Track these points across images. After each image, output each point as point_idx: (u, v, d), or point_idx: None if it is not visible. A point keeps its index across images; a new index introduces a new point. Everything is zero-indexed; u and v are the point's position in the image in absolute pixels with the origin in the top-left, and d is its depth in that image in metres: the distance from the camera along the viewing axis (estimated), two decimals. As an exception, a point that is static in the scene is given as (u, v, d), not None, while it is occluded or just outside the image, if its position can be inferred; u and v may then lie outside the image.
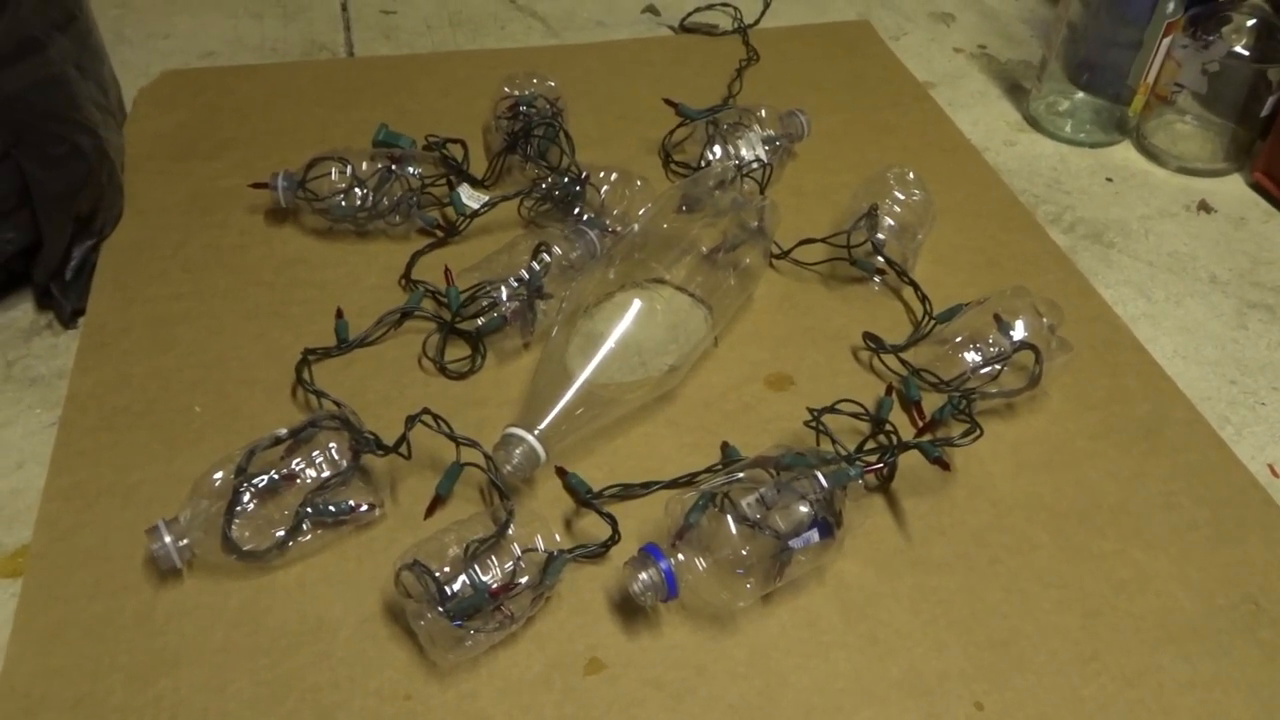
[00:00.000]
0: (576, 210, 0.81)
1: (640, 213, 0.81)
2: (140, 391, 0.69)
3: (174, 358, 0.72)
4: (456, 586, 0.54)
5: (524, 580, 0.55)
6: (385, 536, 0.61)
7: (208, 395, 0.69)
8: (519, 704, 0.54)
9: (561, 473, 0.64)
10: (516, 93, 0.90)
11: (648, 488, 0.64)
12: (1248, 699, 0.56)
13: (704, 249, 0.76)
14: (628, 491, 0.64)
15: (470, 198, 0.84)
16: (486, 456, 0.62)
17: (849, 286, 0.80)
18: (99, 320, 0.74)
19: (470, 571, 0.54)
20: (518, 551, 0.56)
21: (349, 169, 0.80)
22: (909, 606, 0.59)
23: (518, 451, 0.61)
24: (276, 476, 0.59)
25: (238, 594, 0.58)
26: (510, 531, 0.57)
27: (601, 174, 0.83)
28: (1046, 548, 0.62)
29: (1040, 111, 1.02)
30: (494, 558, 0.56)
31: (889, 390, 0.70)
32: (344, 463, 0.61)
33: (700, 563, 0.56)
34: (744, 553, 0.55)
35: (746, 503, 0.56)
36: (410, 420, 0.61)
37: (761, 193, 0.87)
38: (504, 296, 0.72)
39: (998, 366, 0.69)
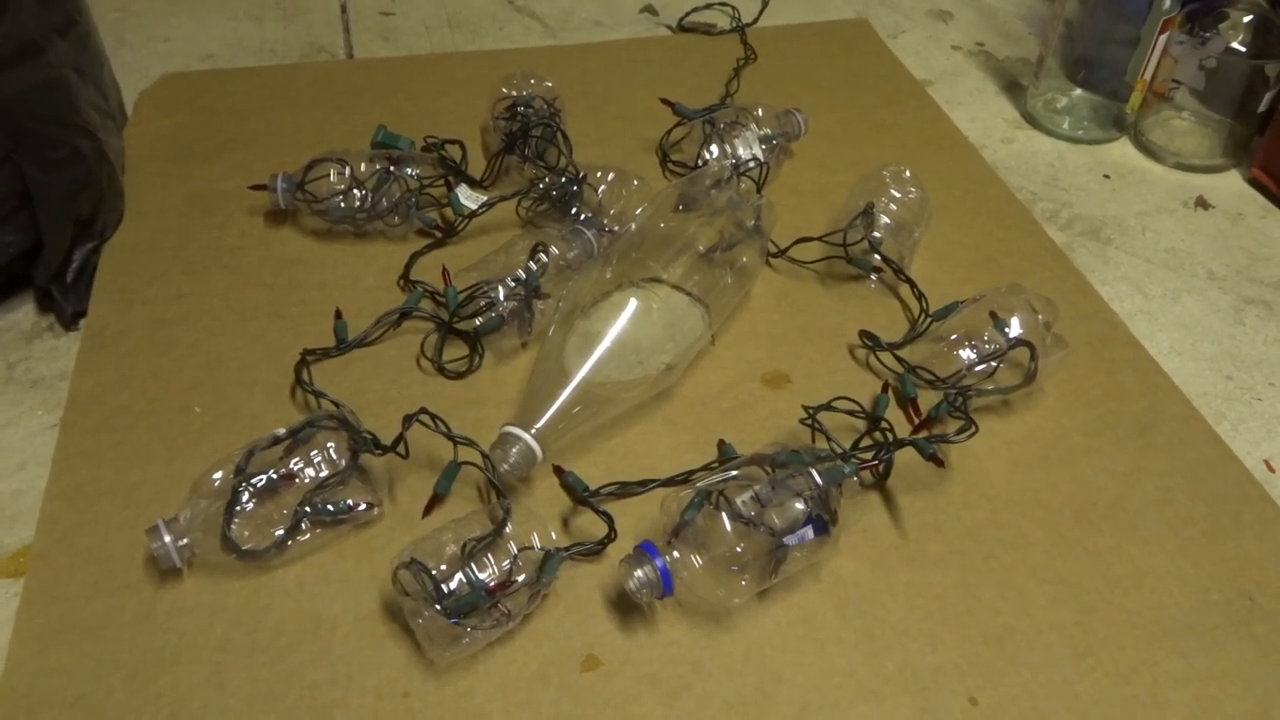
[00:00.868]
0: (574, 210, 0.82)
1: (637, 212, 0.81)
2: (140, 392, 0.70)
3: (174, 359, 0.72)
4: (454, 584, 0.54)
5: (521, 578, 0.56)
6: (383, 535, 0.62)
7: (207, 396, 0.70)
8: (516, 701, 0.54)
9: (558, 471, 0.65)
10: (514, 93, 0.90)
11: (644, 486, 0.64)
12: (1242, 694, 0.56)
13: (701, 248, 0.76)
14: (624, 490, 0.64)
15: (468, 198, 0.84)
16: (484, 455, 0.62)
17: (845, 285, 0.81)
18: (100, 322, 0.75)
19: (467, 569, 0.55)
20: (515, 550, 0.57)
21: (348, 170, 0.81)
22: (904, 602, 0.59)
23: (515, 450, 0.62)
24: (275, 476, 0.60)
25: (237, 593, 0.58)
26: (507, 530, 0.57)
27: (599, 174, 0.83)
28: (1041, 544, 0.63)
29: (1038, 108, 1.02)
30: (491, 556, 0.56)
31: (885, 388, 0.70)
32: (342, 462, 0.61)
33: (696, 560, 0.56)
34: (739, 550, 0.55)
35: (742, 500, 0.57)
36: (408, 420, 0.61)
37: (758, 191, 0.88)
38: (501, 296, 0.73)
39: (994, 363, 0.69)
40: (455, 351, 0.73)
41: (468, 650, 0.55)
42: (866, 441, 0.67)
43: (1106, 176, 0.95)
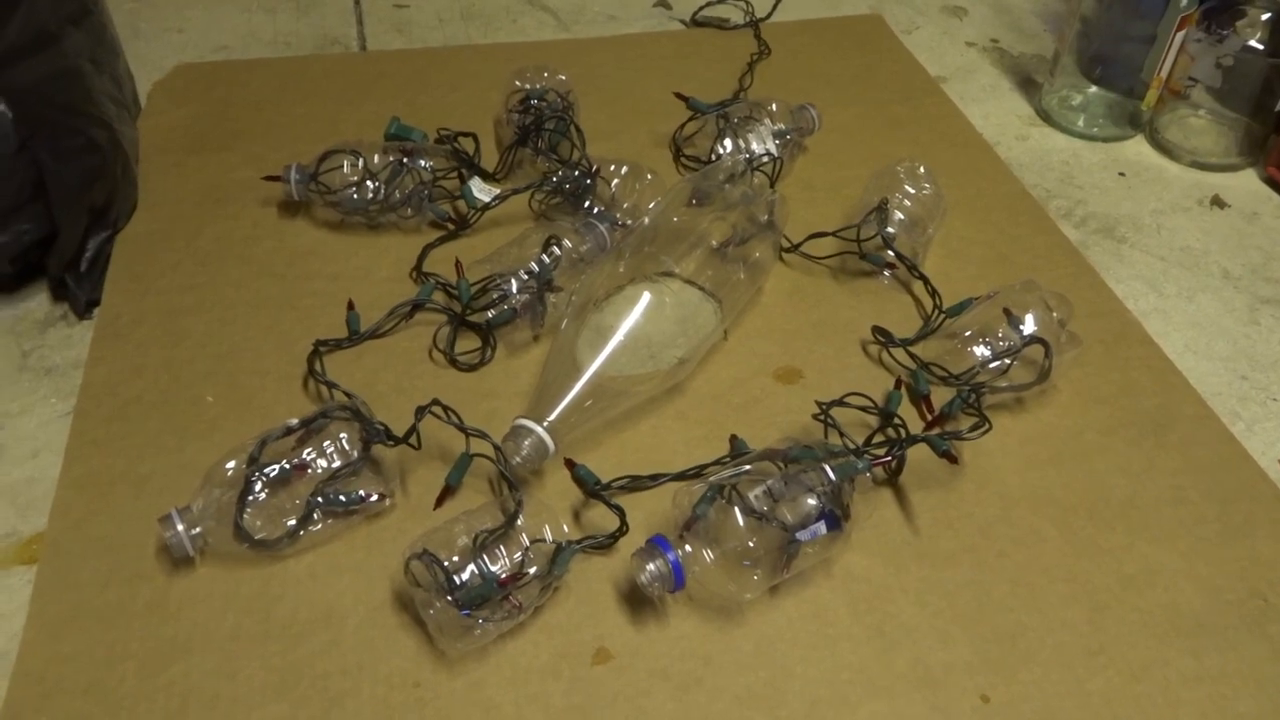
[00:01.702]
0: (587, 204, 0.82)
1: (650, 206, 0.81)
2: (153, 382, 0.70)
3: (187, 349, 0.72)
4: (465, 576, 0.54)
5: (532, 570, 0.56)
6: (395, 526, 0.62)
7: (220, 386, 0.70)
8: (527, 693, 0.54)
9: (570, 464, 0.65)
10: (528, 86, 0.90)
11: (656, 480, 0.64)
12: (1255, 694, 0.56)
13: (714, 243, 0.76)
14: (636, 483, 0.64)
15: (481, 191, 0.84)
16: (496, 447, 0.62)
17: (859, 280, 0.80)
18: (113, 311, 0.75)
19: (479, 561, 0.55)
20: (526, 542, 0.57)
21: (361, 162, 0.81)
22: (916, 599, 0.59)
23: (527, 443, 0.62)
24: (288, 466, 0.60)
25: (249, 582, 0.59)
26: (519, 522, 0.57)
27: (612, 167, 0.83)
28: (1054, 541, 0.62)
29: (1053, 106, 1.02)
30: (503, 548, 0.56)
31: (898, 384, 0.70)
32: (354, 453, 0.61)
33: (708, 554, 0.56)
34: (751, 545, 0.55)
35: (754, 495, 0.57)
36: (420, 411, 0.61)
37: (771, 186, 0.87)
38: (514, 289, 0.73)
39: (1007, 360, 0.69)
40: (467, 344, 0.73)
41: (479, 642, 0.55)
42: (879, 438, 0.67)
43: (1121, 174, 0.95)
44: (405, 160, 0.81)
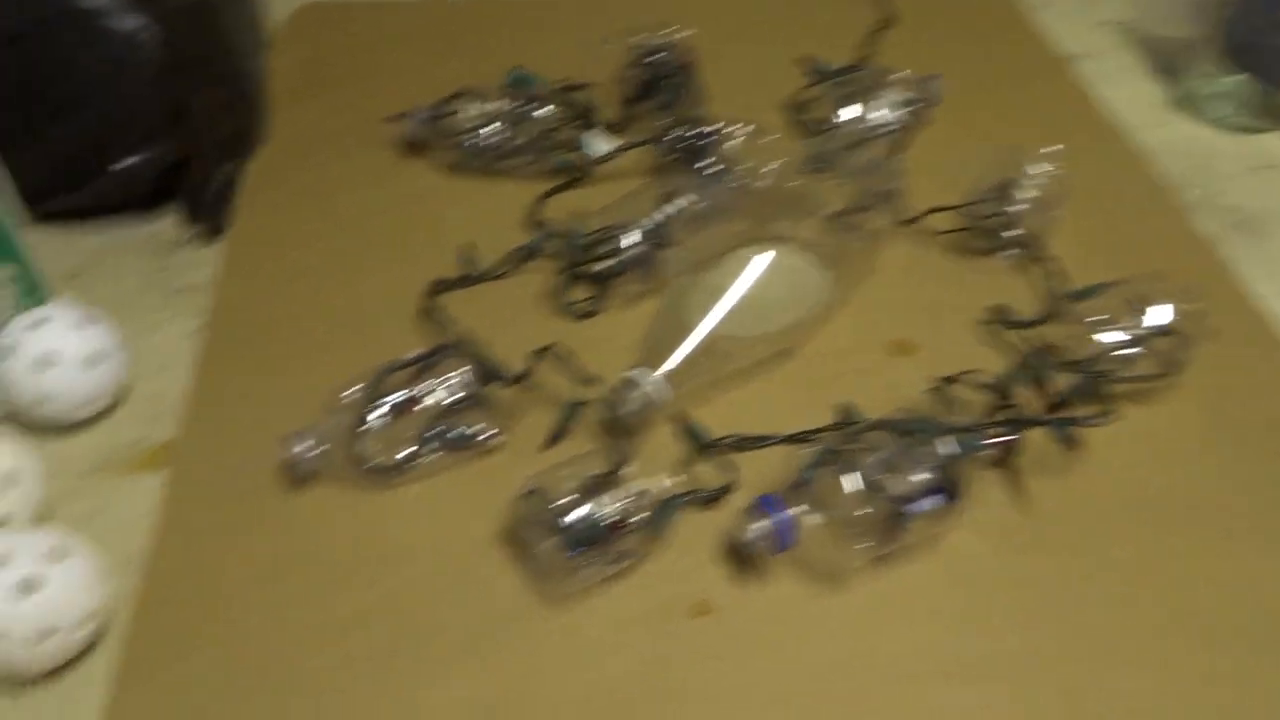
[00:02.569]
0: (705, 162, 0.81)
1: (769, 168, 0.80)
2: (278, 307, 0.72)
3: (309, 279, 0.74)
4: (572, 518, 0.55)
5: (638, 519, 0.56)
6: (503, 465, 0.63)
7: (340, 316, 0.72)
8: (623, 639, 0.55)
9: (679, 419, 0.65)
10: (650, 41, 0.90)
11: (763, 441, 0.64)
12: (1376, 712, 0.53)
13: (831, 210, 0.75)
14: (744, 443, 0.64)
15: (600, 143, 0.84)
16: (606, 396, 0.63)
17: (977, 259, 0.78)
18: (241, 238, 0.77)
19: (587, 505, 0.55)
20: (633, 491, 0.57)
21: (483, 107, 0.81)
22: (1015, 586, 0.58)
23: (638, 394, 0.62)
24: (405, 397, 0.61)
25: (360, 506, 0.60)
26: (626, 471, 0.57)
27: (732, 127, 0.82)
28: (1166, 542, 0.60)
29: (1192, 93, 0.97)
30: (610, 495, 0.57)
31: (1017, 364, 0.68)
32: (469, 391, 0.62)
33: (815, 519, 0.56)
34: (860, 513, 0.55)
35: (868, 464, 0.56)
36: (538, 353, 0.62)
37: (893, 157, 0.86)
38: (629, 242, 0.73)
39: (1132, 350, 0.67)
40: (580, 294, 0.74)
41: (580, 585, 0.56)
42: (996, 417, 0.65)
43: (1262, 168, 0.91)
44: (526, 108, 0.82)
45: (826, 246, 0.74)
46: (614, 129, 0.87)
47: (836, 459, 0.57)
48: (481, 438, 0.62)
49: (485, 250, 0.75)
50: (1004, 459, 0.64)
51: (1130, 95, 0.99)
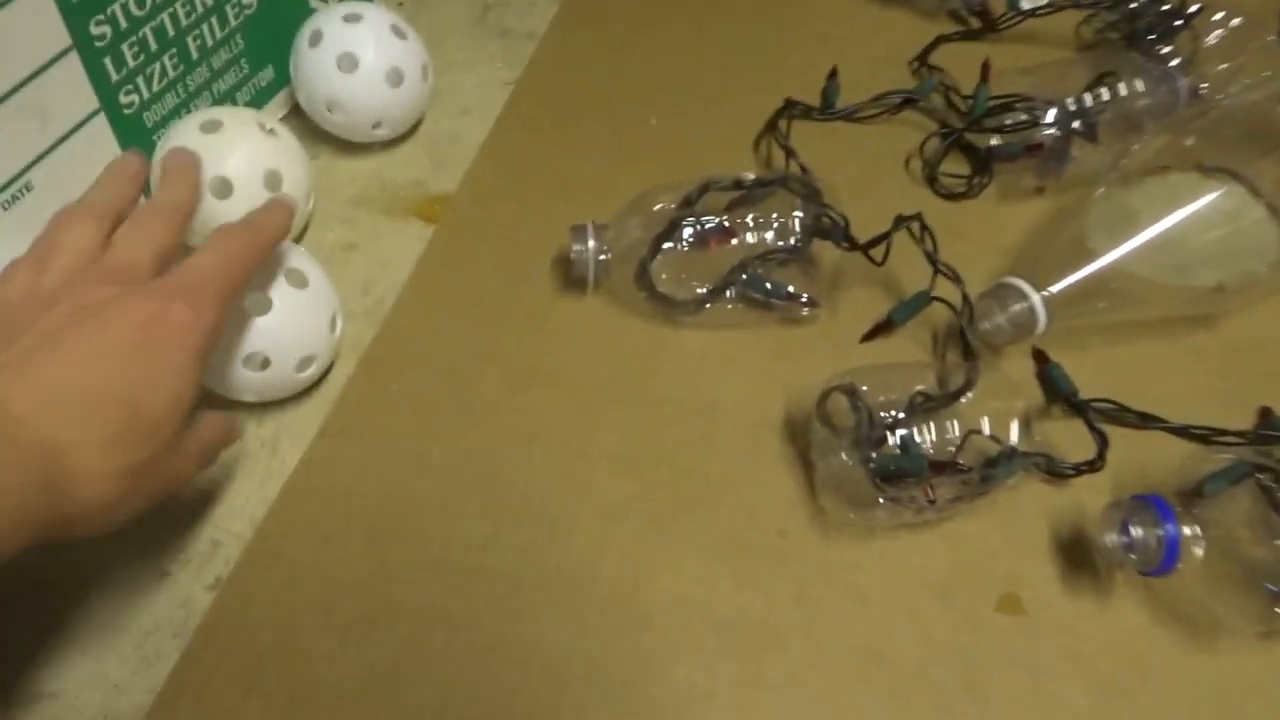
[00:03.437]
0: (1161, 50, 0.62)
1: (1252, 82, 0.61)
2: (600, 83, 0.62)
3: (642, 61, 0.63)
4: (890, 439, 0.42)
5: (966, 465, 0.43)
6: (810, 342, 0.51)
7: (668, 112, 0.60)
8: (909, 603, 0.42)
9: (1041, 357, 0.50)
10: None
11: (1148, 421, 0.48)
12: None
13: (1320, 157, 0.55)
14: (1120, 414, 0.48)
15: (1032, -7, 0.67)
16: (966, 300, 0.49)
17: None
18: (580, -4, 0.67)
19: (913, 429, 0.42)
20: (968, 428, 0.44)
21: (904, -90, 0.66)
22: None
23: (1014, 309, 0.48)
24: (719, 225, 0.50)
25: (634, 335, 0.50)
26: (967, 400, 0.44)
27: (1217, 14, 0.62)
28: None
29: None
30: (937, 424, 0.43)
31: None
32: (796, 241, 0.50)
33: (1200, 549, 0.41)
34: (1282, 566, 0.39)
35: (1314, 503, 0.40)
36: (899, 221, 0.48)
37: None
38: (1044, 120, 0.56)
39: None
40: (955, 166, 0.59)
41: (867, 522, 0.44)
42: None
43: None
44: (957, -78, 0.65)
45: (1294, 202, 0.55)
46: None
47: (1266, 480, 0.41)
48: (798, 300, 0.50)
49: (859, 83, 0.61)
50: None
51: None
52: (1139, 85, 0.59)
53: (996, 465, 0.43)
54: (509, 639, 0.41)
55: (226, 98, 0.54)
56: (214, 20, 0.51)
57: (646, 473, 0.46)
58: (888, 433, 0.42)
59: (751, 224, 0.50)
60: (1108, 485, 0.46)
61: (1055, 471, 0.46)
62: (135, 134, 0.48)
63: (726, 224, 0.50)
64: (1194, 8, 0.62)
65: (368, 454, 0.46)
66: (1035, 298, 0.48)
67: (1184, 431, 0.48)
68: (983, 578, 0.44)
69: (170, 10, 0.48)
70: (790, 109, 0.60)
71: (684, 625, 0.41)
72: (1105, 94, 0.58)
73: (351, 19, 0.53)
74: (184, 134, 0.46)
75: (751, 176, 0.50)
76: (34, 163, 0.43)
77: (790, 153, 0.57)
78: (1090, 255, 0.50)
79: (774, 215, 0.51)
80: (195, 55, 0.51)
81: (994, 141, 0.58)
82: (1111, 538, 0.41)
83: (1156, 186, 0.54)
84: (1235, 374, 0.51)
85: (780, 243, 0.50)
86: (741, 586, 0.43)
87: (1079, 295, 0.50)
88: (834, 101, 0.61)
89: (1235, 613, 0.41)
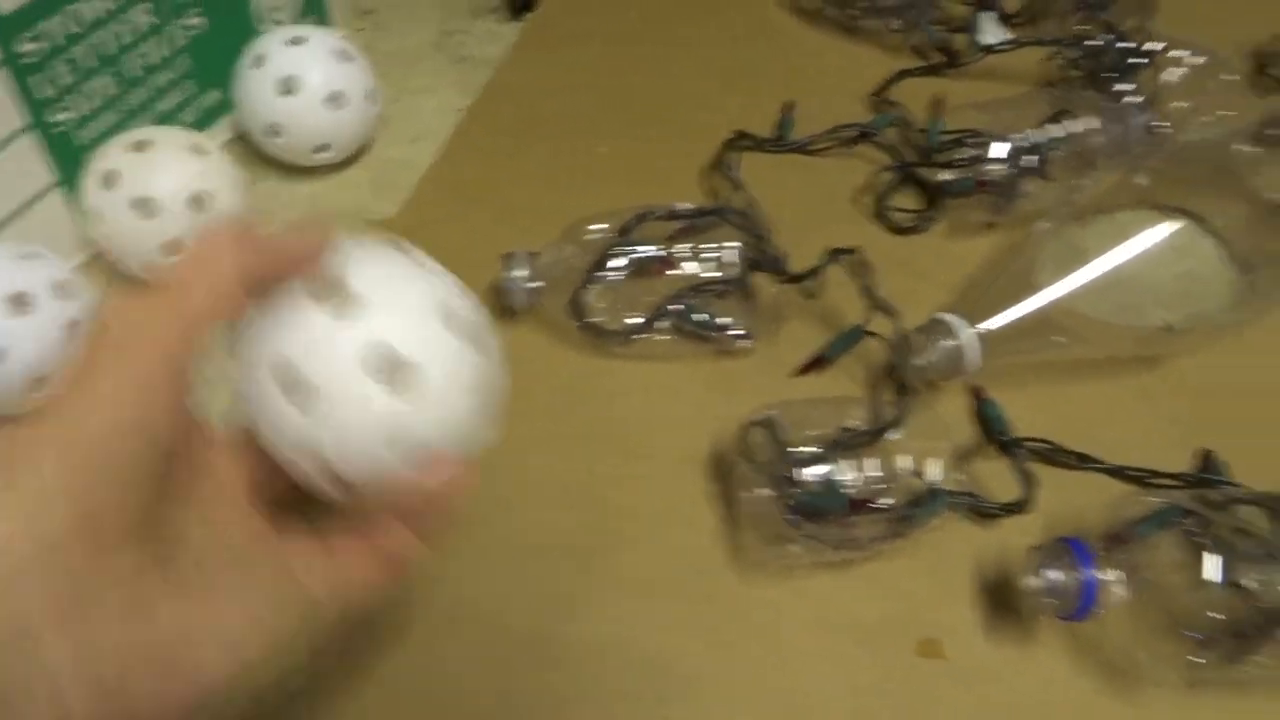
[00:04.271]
0: (1119, 88, 0.62)
1: (1211, 119, 0.60)
2: (556, 110, 0.61)
3: (601, 88, 0.63)
4: (808, 474, 0.41)
5: (889, 504, 0.42)
6: (744, 375, 0.50)
7: (622, 140, 0.60)
8: (827, 646, 0.41)
9: (977, 394, 0.49)
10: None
11: (1084, 462, 0.47)
12: None
13: (1275, 196, 0.55)
14: (1055, 453, 0.47)
15: (992, 30, 0.67)
16: (902, 335, 0.48)
17: None
18: (546, 21, 0.67)
19: (832, 464, 0.42)
20: (893, 466, 0.43)
21: (866, -55, 0.65)
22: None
23: (945, 345, 0.47)
24: (656, 255, 0.49)
25: (565, 366, 0.50)
26: (893, 437, 0.43)
27: (1176, 51, 0.62)
28: None
29: None
30: (862, 460, 0.43)
31: None
32: (733, 273, 0.49)
33: (1129, 593, 0.39)
34: (1207, 616, 0.38)
35: (1241, 548, 0.39)
36: (834, 254, 0.48)
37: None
38: (1003, 155, 0.56)
39: None
40: (907, 201, 0.58)
41: (783, 559, 0.43)
42: None
43: None
44: (919, -41, 0.65)
45: (1249, 242, 0.54)
46: (1014, 19, 0.69)
47: (1193, 525, 0.40)
48: (730, 333, 0.49)
49: (816, 115, 0.61)
50: None
51: None
52: (1093, 122, 0.58)
53: (919, 504, 0.42)
54: (412, 672, 0.40)
55: (170, 119, 0.54)
56: (158, 40, 0.51)
57: (572, 508, 0.45)
58: (806, 468, 0.42)
59: (691, 255, 0.50)
60: (1039, 527, 0.45)
61: (982, 512, 0.45)
62: (66, 153, 0.48)
63: (665, 254, 0.50)
64: (1156, 46, 0.62)
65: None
66: (966, 334, 0.47)
67: (1119, 473, 0.47)
68: (904, 621, 0.42)
69: (109, 28, 0.48)
70: (740, 141, 0.59)
71: (597, 668, 0.40)
72: (1058, 130, 0.57)
73: (296, 42, 0.53)
74: (112, 153, 0.46)
75: (688, 206, 0.50)
76: (-45, 179, 0.43)
77: (736, 184, 0.56)
78: (1032, 291, 0.50)
79: (713, 246, 0.50)
80: (137, 74, 0.51)
81: (945, 176, 0.58)
82: (1031, 581, 0.40)
83: (1108, 224, 0.54)
84: (1181, 418, 0.50)
85: (719, 274, 0.50)
86: (659, 628, 0.42)
87: (1020, 332, 0.49)
88: (788, 134, 0.61)
89: (1156, 660, 0.40)
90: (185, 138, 0.49)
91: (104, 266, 0.50)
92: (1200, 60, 0.61)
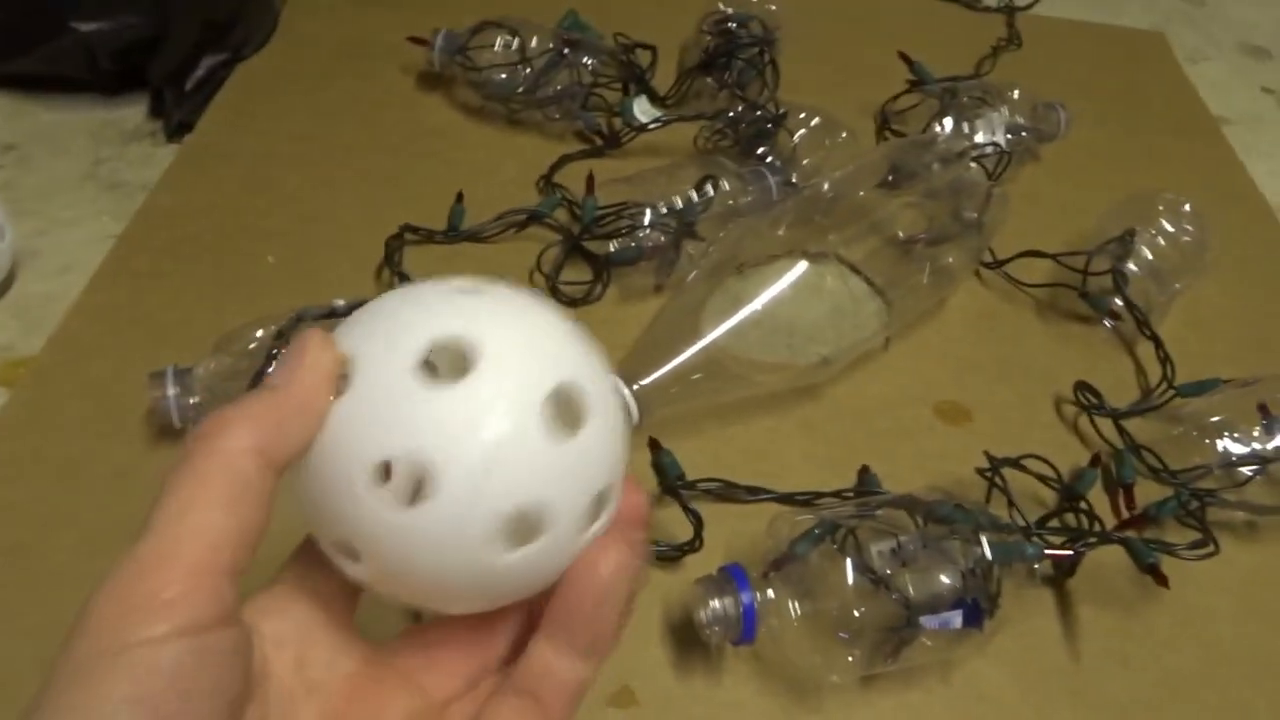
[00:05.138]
0: (761, 151, 0.68)
1: (836, 173, 0.67)
2: (219, 224, 0.60)
3: (268, 200, 0.63)
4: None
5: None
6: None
7: (289, 249, 0.60)
8: (515, 717, 0.41)
9: (653, 445, 0.51)
10: (730, 10, 0.77)
11: (754, 494, 0.50)
12: None
13: (901, 232, 0.61)
14: (727, 491, 0.50)
15: (644, 111, 0.72)
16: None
17: (1070, 323, 0.64)
18: (204, 140, 0.66)
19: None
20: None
21: (517, 43, 0.69)
22: (1055, 748, 0.43)
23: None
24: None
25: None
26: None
27: (802, 115, 0.69)
28: (1263, 718, 0.45)
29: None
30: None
31: (1094, 460, 0.53)
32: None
33: (794, 608, 0.42)
34: (856, 613, 0.41)
35: (877, 550, 0.42)
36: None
37: (993, 186, 0.71)
38: (649, 222, 0.60)
39: (1250, 470, 0.52)
40: (578, 274, 0.61)
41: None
42: (1058, 522, 0.51)
43: None
44: (567, 51, 0.69)
45: (884, 274, 0.60)
46: (662, 101, 0.74)
47: (839, 535, 0.43)
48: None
49: (487, 204, 0.63)
50: (1057, 578, 0.49)
51: (1285, 171, 0.83)
52: (738, 183, 0.63)
53: (601, 559, 0.43)
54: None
55: None
56: None
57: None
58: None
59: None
60: (720, 561, 0.46)
61: (659, 557, 0.46)
62: None
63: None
64: (783, 110, 0.69)
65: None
66: (626, 391, 0.49)
67: (788, 499, 0.50)
68: (598, 676, 0.43)
69: None
70: (406, 235, 0.60)
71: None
72: (700, 194, 0.62)
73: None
74: None
75: (344, 303, 0.50)
76: None
77: (403, 278, 0.57)
78: (696, 339, 0.53)
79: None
80: None
81: (612, 247, 0.61)
82: (700, 613, 0.42)
83: (763, 272, 0.58)
84: (841, 440, 0.55)
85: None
86: None
87: (682, 381, 0.52)
88: (458, 224, 0.62)
89: (826, 667, 0.42)
90: None
91: None
92: (816, 121, 0.68)
